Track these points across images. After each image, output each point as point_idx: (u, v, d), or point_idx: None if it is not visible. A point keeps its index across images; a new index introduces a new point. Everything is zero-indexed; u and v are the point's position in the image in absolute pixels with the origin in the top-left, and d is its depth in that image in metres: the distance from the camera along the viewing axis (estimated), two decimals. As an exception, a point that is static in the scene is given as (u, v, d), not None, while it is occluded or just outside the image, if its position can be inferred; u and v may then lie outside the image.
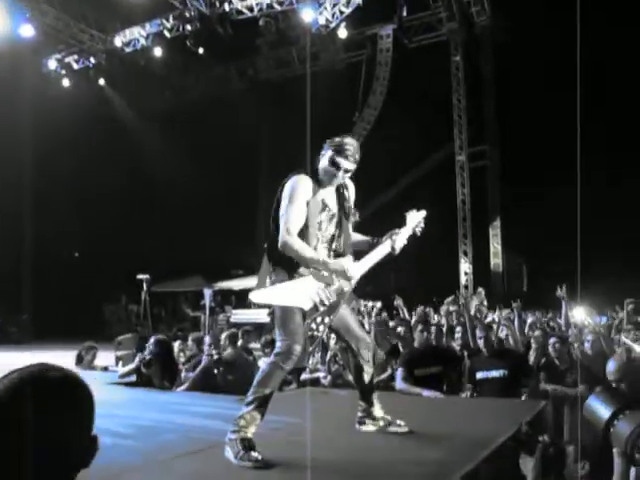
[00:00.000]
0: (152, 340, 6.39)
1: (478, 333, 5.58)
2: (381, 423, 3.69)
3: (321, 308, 3.28)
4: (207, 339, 7.03)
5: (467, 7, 19.75)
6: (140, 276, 16.05)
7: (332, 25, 18.07)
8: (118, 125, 21.58)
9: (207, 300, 19.85)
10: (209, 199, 23.50)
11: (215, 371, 5.95)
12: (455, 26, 19.78)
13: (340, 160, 3.38)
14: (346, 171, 3.42)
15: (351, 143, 3.43)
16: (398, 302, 9.65)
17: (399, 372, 5.69)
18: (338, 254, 3.49)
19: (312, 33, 18.60)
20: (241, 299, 21.14)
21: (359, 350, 3.63)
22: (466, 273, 19.53)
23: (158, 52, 18.77)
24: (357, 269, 3.45)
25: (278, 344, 3.28)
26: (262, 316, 19.03)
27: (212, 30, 17.68)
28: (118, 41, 19.11)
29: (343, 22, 18.25)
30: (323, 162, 3.43)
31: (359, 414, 3.76)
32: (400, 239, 3.63)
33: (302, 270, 3.31)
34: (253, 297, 3.35)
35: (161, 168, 22.68)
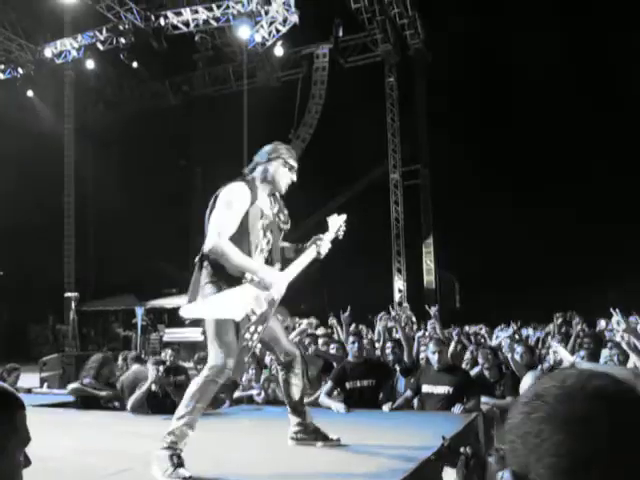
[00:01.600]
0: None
1: (432, 347, 5.61)
2: (313, 437, 3.68)
3: (253, 318, 3.25)
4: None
5: (401, 30, 20.27)
6: (68, 294, 15.53)
7: (268, 43, 18.16)
8: (46, 138, 20.90)
9: (139, 319, 19.39)
10: (141, 216, 23.05)
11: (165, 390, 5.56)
12: (389, 48, 20.23)
13: (291, 162, 3.54)
14: (293, 173, 3.56)
15: (289, 147, 3.65)
16: (333, 322, 9.63)
17: (326, 385, 5.69)
18: (269, 262, 3.49)
19: (248, 50, 18.63)
20: (174, 318, 20.76)
21: (289, 363, 3.62)
22: (400, 290, 19.82)
23: (90, 64, 18.37)
24: (284, 278, 3.46)
25: (211, 358, 3.22)
26: (196, 334, 18.75)
27: (147, 44, 17.45)
28: (48, 52, 18.59)
29: (280, 40, 18.38)
30: (268, 168, 3.49)
31: (291, 429, 3.73)
32: (325, 244, 3.67)
33: (234, 280, 3.26)
34: (183, 312, 3.28)
35: (92, 184, 22.13)
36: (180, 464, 2.95)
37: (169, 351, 6.63)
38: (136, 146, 21.89)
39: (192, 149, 22.83)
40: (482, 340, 9.02)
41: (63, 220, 20.95)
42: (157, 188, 22.60)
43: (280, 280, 3.37)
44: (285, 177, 3.54)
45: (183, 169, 23.23)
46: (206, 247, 3.20)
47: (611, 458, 0.75)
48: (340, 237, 3.79)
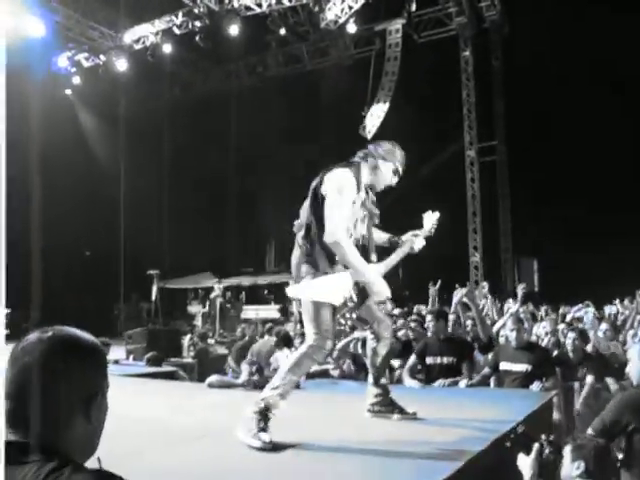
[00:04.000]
0: None
1: (510, 325, 5.58)
2: (390, 410, 3.72)
3: (350, 304, 3.33)
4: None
5: (476, 1, 19.65)
6: (150, 271, 16.17)
7: (341, 21, 18.02)
8: (126, 122, 21.64)
9: (217, 296, 19.94)
10: (218, 198, 23.59)
11: None
12: (464, 21, 19.66)
13: (400, 169, 3.63)
14: (397, 179, 3.67)
15: (403, 154, 3.67)
16: (420, 308, 9.67)
17: (410, 360, 5.73)
18: (363, 251, 3.52)
19: (321, 29, 18.57)
20: (251, 295, 21.27)
21: (380, 331, 3.69)
22: (476, 268, 19.47)
23: (167, 49, 18.79)
24: (380, 272, 3.53)
25: (312, 337, 3.31)
26: (272, 312, 19.17)
27: (221, 26, 17.68)
28: (128, 38, 19.16)
29: (352, 17, 18.20)
30: (379, 165, 3.56)
31: (369, 401, 3.78)
32: (420, 240, 3.82)
33: (336, 265, 3.33)
34: (289, 292, 3.48)
35: (170, 166, 22.79)
36: (264, 429, 3.08)
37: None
38: (211, 129, 22.34)
39: (265, 131, 23.04)
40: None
41: (144, 201, 21.69)
42: (234, 168, 23.05)
43: (382, 283, 3.42)
44: (388, 180, 3.63)
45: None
46: (327, 238, 3.25)
47: None
48: (432, 234, 3.90)
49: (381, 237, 3.82)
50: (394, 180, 3.65)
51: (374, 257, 3.58)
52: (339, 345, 6.60)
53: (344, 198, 3.33)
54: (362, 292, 3.40)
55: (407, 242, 3.79)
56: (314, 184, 3.42)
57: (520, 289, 7.83)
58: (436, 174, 19.28)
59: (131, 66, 19.17)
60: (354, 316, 3.40)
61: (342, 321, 3.35)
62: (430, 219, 3.90)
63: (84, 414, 1.27)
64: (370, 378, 3.81)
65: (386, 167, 3.58)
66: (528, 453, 2.67)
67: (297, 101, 20.43)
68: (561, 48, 17.27)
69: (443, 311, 6.70)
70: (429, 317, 6.09)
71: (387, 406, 3.73)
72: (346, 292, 3.31)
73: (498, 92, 21.24)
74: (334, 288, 3.30)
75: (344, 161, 3.56)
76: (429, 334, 6.01)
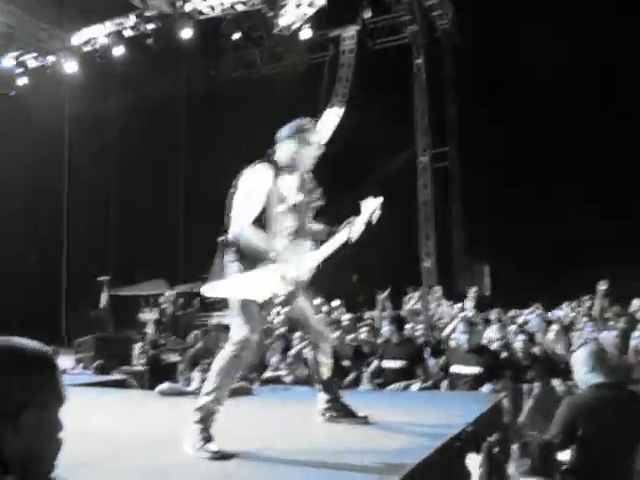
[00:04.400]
0: None
1: (461, 328, 5.66)
2: (341, 414, 3.71)
3: (276, 300, 3.23)
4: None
5: (429, 11, 19.94)
6: (100, 278, 15.84)
7: (295, 27, 18.05)
8: (77, 125, 21.18)
9: (170, 303, 19.67)
10: (171, 204, 23.27)
11: None
12: (416, 29, 19.91)
13: (311, 138, 3.45)
14: (319, 147, 3.48)
15: (310, 122, 3.53)
16: (372, 314, 9.73)
17: (372, 364, 5.81)
18: (297, 245, 3.45)
19: (275, 34, 18.55)
20: (204, 302, 21.02)
21: (317, 343, 3.63)
22: (429, 273, 19.65)
23: (118, 51, 18.45)
24: (313, 259, 3.44)
25: (235, 333, 3.24)
26: (225, 319, 19.00)
27: (173, 30, 17.50)
28: (76, 39, 18.74)
29: (306, 24, 18.24)
30: (289, 147, 3.43)
31: (320, 406, 3.76)
32: (357, 228, 3.58)
33: (258, 260, 3.23)
34: (205, 291, 3.36)
35: (120, 171, 22.38)
36: (208, 439, 3.01)
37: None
38: (163, 133, 22.04)
39: (218, 134, 22.86)
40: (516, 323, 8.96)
41: (94, 207, 21.26)
42: (187, 173, 22.76)
43: (291, 274, 3.29)
44: (308, 155, 3.47)
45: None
46: (230, 235, 3.19)
47: None
48: (374, 221, 3.68)
49: (320, 231, 3.67)
50: (317, 150, 3.49)
51: (307, 247, 3.46)
52: (292, 351, 6.59)
53: (252, 194, 3.25)
54: (293, 288, 3.29)
55: (343, 230, 3.57)
56: (235, 183, 3.37)
57: (471, 292, 7.98)
58: (389, 180, 19.43)
59: (81, 68, 18.74)
60: (283, 312, 3.26)
61: (269, 318, 3.28)
62: (369, 205, 3.66)
63: (12, 428, 1.20)
64: (317, 385, 3.78)
65: (295, 145, 3.43)
66: (478, 452, 2.69)
67: (250, 106, 20.32)
68: (513, 55, 17.67)
69: (397, 316, 6.78)
70: (384, 322, 6.17)
71: (339, 411, 3.72)
72: (271, 287, 3.20)
73: (450, 99, 21.56)
74: (256, 283, 3.19)
75: None
76: (380, 340, 6.08)
